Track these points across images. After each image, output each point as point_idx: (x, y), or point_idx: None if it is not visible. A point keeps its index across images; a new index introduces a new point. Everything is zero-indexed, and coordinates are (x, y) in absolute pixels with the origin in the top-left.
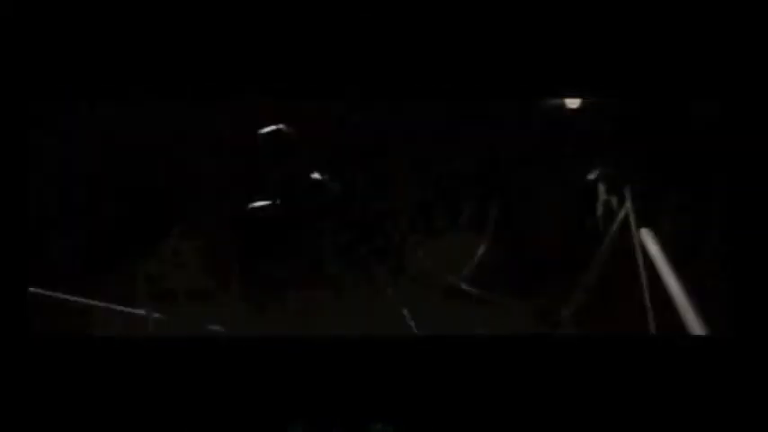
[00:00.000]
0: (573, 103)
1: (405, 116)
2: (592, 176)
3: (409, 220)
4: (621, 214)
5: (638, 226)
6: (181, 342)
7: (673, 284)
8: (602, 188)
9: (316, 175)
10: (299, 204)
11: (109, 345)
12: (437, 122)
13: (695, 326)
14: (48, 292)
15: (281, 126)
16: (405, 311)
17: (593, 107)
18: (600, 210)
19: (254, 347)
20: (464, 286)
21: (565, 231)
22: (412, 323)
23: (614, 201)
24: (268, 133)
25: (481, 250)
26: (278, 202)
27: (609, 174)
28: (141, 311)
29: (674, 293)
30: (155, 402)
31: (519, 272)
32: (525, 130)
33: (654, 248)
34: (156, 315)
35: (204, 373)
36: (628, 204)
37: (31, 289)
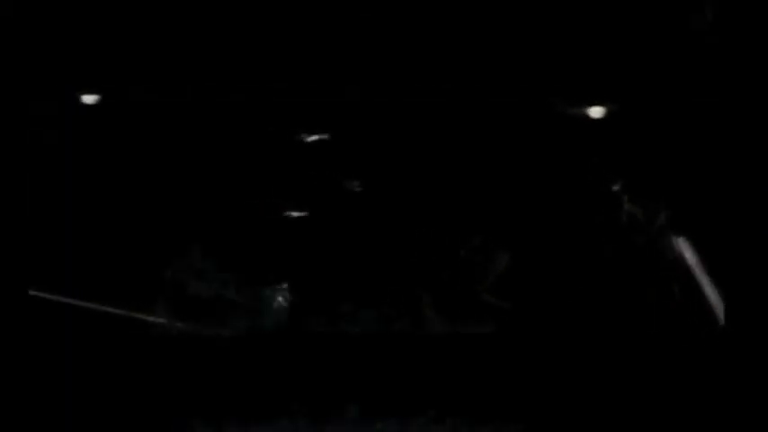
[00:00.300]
0: (597, 112)
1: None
2: (616, 187)
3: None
4: (658, 222)
5: (675, 234)
6: (182, 342)
7: (710, 293)
8: (625, 199)
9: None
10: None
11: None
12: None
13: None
14: (55, 297)
15: (324, 135)
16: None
17: (619, 115)
18: (624, 221)
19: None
20: (489, 298)
21: (590, 242)
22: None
23: (639, 212)
24: (311, 142)
25: (503, 263)
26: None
27: (633, 184)
28: (162, 320)
29: (712, 302)
30: (156, 402)
31: (544, 284)
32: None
33: (691, 257)
34: (179, 324)
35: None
36: (663, 214)
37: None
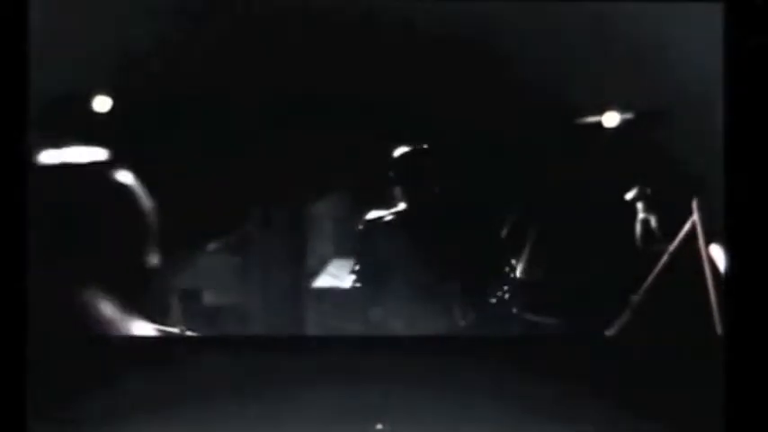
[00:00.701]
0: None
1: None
2: (630, 195)
3: None
4: (686, 228)
5: (707, 241)
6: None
7: None
8: (640, 206)
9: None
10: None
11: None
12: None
13: None
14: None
15: (418, 147)
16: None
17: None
18: (638, 228)
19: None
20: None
21: (610, 249)
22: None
23: (653, 219)
24: (402, 155)
25: (519, 269)
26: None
27: (647, 191)
28: (175, 330)
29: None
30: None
31: (562, 292)
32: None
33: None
34: (190, 333)
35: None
36: (695, 217)
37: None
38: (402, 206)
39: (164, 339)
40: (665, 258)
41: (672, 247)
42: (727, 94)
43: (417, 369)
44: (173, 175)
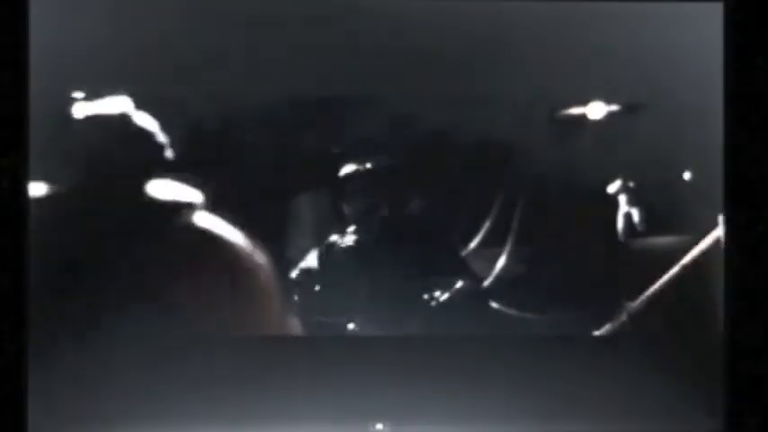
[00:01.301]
0: (597, 112)
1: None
2: (613, 188)
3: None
4: (709, 241)
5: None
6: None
7: None
8: (622, 200)
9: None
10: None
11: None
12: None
13: None
14: None
15: (365, 165)
16: None
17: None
18: (620, 222)
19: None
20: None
21: (596, 245)
22: None
23: (635, 213)
24: (352, 172)
25: (501, 263)
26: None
27: (630, 185)
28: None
29: None
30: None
31: (547, 288)
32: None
33: None
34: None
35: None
36: (720, 232)
37: None
38: (367, 208)
39: (157, 339)
40: (676, 270)
41: (685, 260)
42: (727, 93)
43: (418, 369)
44: None
